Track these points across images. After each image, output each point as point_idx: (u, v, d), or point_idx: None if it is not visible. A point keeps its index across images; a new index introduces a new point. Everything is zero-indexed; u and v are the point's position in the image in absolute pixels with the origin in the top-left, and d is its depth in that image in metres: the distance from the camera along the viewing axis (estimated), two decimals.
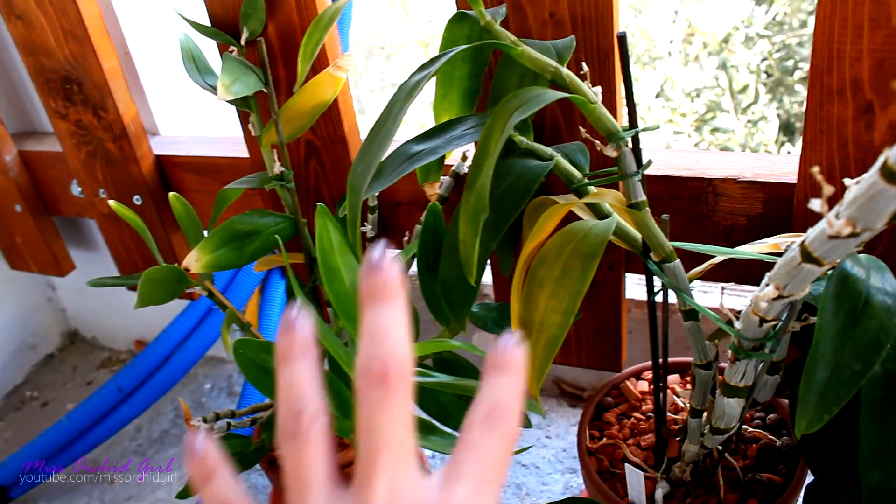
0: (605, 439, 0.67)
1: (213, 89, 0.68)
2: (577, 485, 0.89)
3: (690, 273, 0.55)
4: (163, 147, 0.95)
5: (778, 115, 1.54)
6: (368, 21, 1.78)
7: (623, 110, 0.66)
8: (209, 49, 0.75)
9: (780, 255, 0.44)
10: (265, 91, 0.69)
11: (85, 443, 1.01)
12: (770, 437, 0.64)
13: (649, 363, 0.71)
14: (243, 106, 0.71)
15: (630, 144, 0.48)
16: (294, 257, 0.76)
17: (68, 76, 0.88)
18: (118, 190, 0.95)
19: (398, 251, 0.75)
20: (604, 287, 0.72)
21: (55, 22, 0.85)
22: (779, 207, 0.63)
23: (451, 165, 0.71)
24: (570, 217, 0.55)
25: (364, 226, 0.77)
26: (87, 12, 0.83)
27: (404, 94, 0.46)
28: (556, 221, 0.51)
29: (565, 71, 0.47)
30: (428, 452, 0.95)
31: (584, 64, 0.52)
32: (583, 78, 0.48)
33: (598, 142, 0.49)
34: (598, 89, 0.47)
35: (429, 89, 0.56)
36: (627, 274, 0.73)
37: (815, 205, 0.35)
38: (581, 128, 0.55)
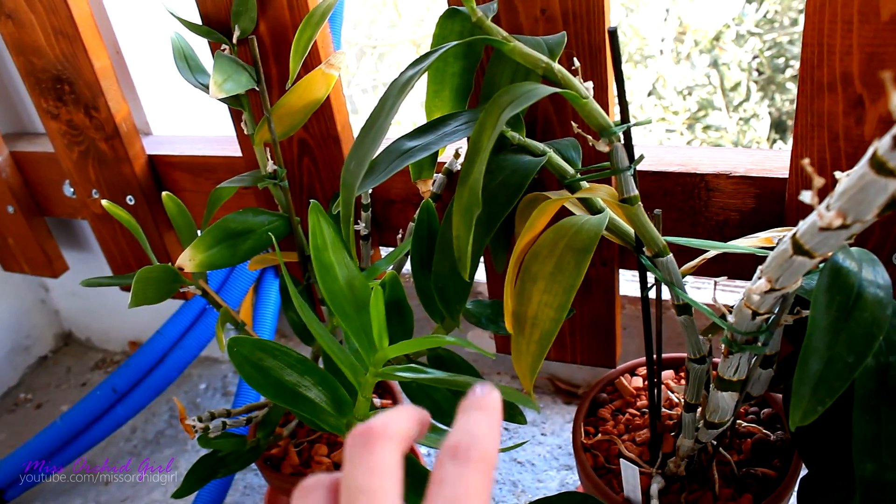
0: (600, 435, 0.67)
1: (206, 88, 0.68)
2: (572, 481, 0.90)
3: (683, 268, 0.55)
4: (155, 146, 0.95)
5: (770, 113, 1.55)
6: (360, 20, 1.77)
7: (615, 106, 0.66)
8: (201, 48, 0.75)
9: (772, 249, 0.44)
10: (257, 89, 0.69)
11: (80, 444, 1.01)
12: (764, 431, 0.64)
13: (643, 359, 0.71)
14: (235, 104, 0.71)
15: (622, 139, 0.48)
16: (288, 256, 0.76)
17: (59, 76, 0.88)
18: (111, 190, 0.95)
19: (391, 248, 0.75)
20: (597, 283, 0.72)
21: (45, 21, 0.84)
22: (771, 202, 0.63)
23: (444, 163, 0.72)
24: (563, 212, 0.55)
25: (357, 224, 0.77)
26: (78, 11, 0.83)
27: (396, 90, 0.46)
28: (549, 217, 0.52)
29: (557, 66, 0.47)
30: (423, 450, 0.95)
31: (575, 59, 0.52)
32: (574, 73, 0.48)
33: (590, 137, 0.49)
34: (590, 84, 0.47)
35: (421, 87, 0.56)
36: (621, 270, 0.74)
37: (806, 196, 0.35)
38: (573, 123, 0.55)
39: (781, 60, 1.56)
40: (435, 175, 0.70)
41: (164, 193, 0.69)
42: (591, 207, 0.54)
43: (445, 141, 0.49)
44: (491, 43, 0.47)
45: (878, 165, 0.32)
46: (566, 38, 0.52)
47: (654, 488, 0.60)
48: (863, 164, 0.33)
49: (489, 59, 0.56)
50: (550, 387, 1.02)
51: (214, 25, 0.74)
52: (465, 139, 0.47)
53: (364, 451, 0.28)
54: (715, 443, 0.61)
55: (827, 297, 0.42)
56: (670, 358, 0.72)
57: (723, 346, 0.51)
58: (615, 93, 0.60)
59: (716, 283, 0.53)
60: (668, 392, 0.69)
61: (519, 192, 0.49)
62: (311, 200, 0.51)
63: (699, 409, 0.58)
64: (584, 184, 0.53)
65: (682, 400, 0.59)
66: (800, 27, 1.53)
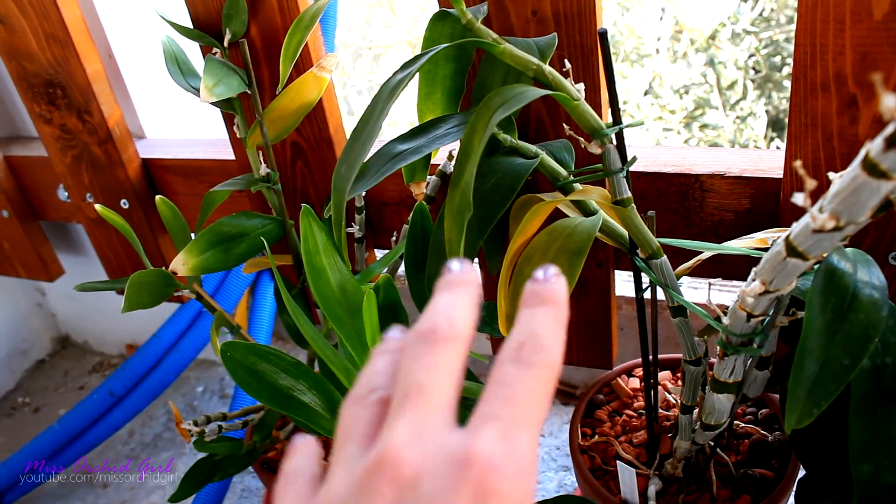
0: (597, 437, 0.67)
1: (197, 92, 0.67)
2: (570, 482, 0.89)
3: (678, 269, 0.55)
4: (149, 150, 0.95)
5: (766, 111, 1.54)
6: (355, 22, 1.77)
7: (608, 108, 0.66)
8: (193, 51, 0.75)
9: (767, 250, 0.44)
10: (249, 93, 0.68)
11: (78, 447, 1.01)
12: (762, 432, 0.64)
13: (640, 360, 0.71)
14: (227, 108, 0.71)
15: (614, 141, 0.48)
16: (283, 259, 0.76)
17: (51, 80, 0.88)
18: (105, 194, 0.95)
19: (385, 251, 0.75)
20: (593, 285, 0.72)
21: (37, 25, 0.84)
22: (766, 203, 0.63)
23: (438, 165, 0.71)
24: (557, 214, 0.55)
25: (351, 226, 0.77)
26: (69, 15, 0.82)
27: (387, 93, 0.46)
28: (542, 219, 0.51)
29: (548, 68, 0.46)
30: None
31: (567, 61, 0.51)
32: (566, 75, 0.48)
33: (582, 139, 0.49)
34: (582, 86, 0.47)
35: (413, 89, 0.56)
36: (617, 271, 0.73)
37: (798, 199, 0.35)
38: (565, 125, 0.55)
39: (778, 58, 1.55)
40: (429, 177, 0.69)
41: (157, 197, 0.69)
42: (585, 209, 0.54)
43: (437, 144, 0.49)
44: (481, 45, 0.46)
45: (871, 167, 0.32)
46: (557, 40, 0.52)
47: (652, 490, 0.60)
48: (855, 165, 0.33)
49: (480, 61, 0.55)
50: None
51: (205, 29, 0.73)
52: (458, 141, 0.47)
53: (427, 348, 0.26)
54: (712, 444, 0.61)
55: (822, 299, 0.42)
56: (668, 358, 0.72)
57: (718, 348, 0.51)
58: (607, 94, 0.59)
59: (710, 284, 0.53)
60: (666, 393, 0.69)
61: (511, 195, 0.48)
62: (303, 204, 0.51)
63: (696, 411, 0.57)
64: (578, 186, 0.52)
65: (679, 401, 0.58)
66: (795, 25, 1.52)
